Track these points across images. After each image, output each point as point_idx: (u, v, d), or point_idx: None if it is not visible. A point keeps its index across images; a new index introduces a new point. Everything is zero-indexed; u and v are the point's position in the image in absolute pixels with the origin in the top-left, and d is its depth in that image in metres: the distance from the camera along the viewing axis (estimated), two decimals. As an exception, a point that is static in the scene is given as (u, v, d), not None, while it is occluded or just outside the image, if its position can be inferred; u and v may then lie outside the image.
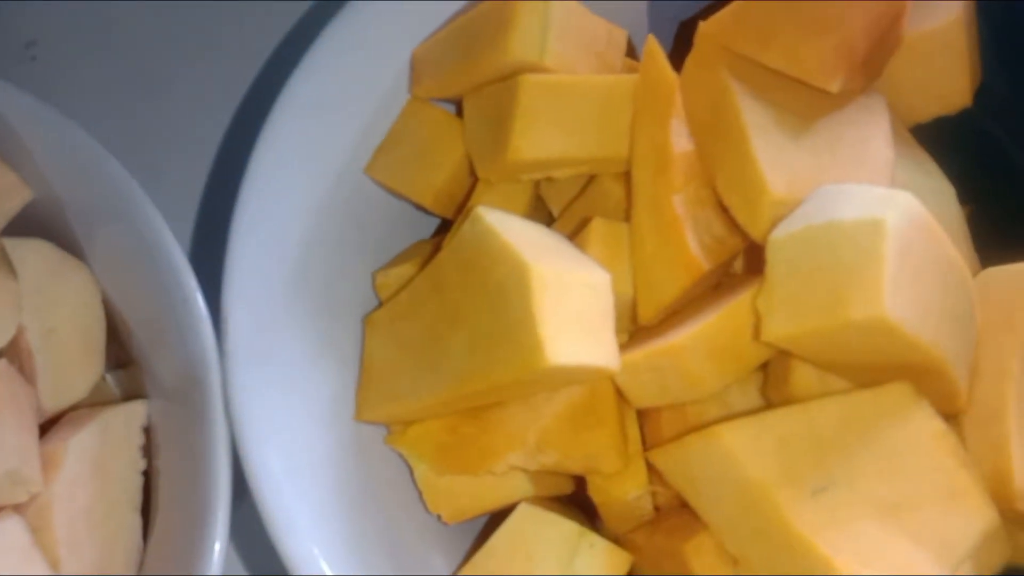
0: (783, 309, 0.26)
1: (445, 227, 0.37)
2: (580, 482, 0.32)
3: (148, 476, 0.32)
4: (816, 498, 0.26)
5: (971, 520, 0.26)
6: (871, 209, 0.26)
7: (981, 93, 0.35)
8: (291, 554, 0.28)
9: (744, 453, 0.26)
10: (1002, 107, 0.36)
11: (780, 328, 0.26)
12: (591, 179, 0.33)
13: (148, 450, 0.32)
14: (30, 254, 0.33)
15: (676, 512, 0.30)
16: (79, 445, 0.30)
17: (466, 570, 0.29)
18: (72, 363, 0.32)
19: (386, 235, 0.35)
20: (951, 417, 0.28)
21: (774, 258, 0.27)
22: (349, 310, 0.33)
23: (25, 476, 0.29)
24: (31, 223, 0.34)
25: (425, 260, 0.33)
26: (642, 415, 0.31)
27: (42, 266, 0.33)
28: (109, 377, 0.36)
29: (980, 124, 0.36)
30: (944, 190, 0.33)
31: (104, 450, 0.31)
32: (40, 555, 0.29)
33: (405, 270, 0.33)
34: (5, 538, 0.29)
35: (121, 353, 0.35)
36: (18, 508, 0.30)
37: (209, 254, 0.32)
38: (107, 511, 0.31)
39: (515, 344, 0.27)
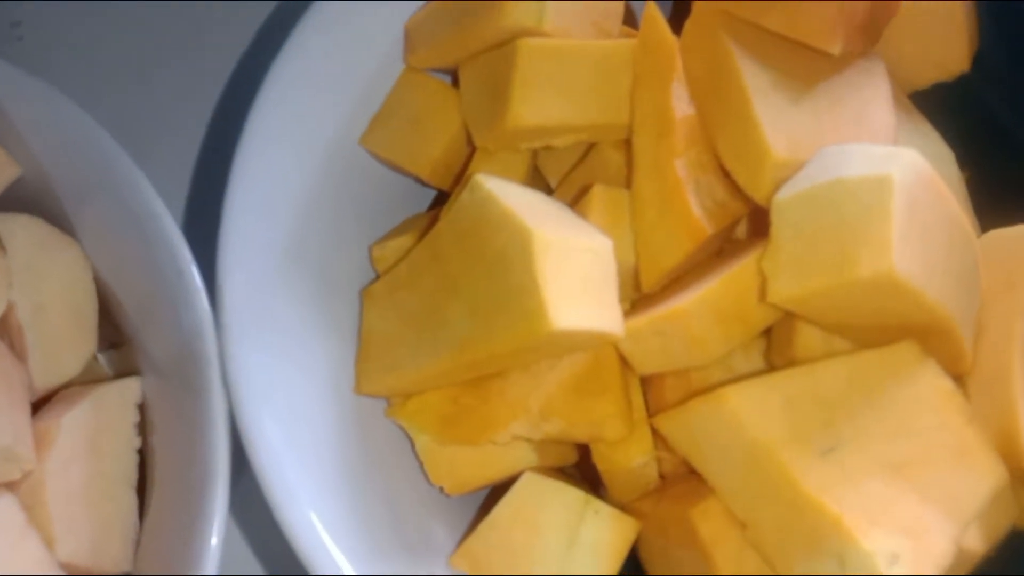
0: (789, 270, 0.26)
1: (440, 201, 0.36)
2: (584, 453, 0.32)
3: (143, 455, 0.32)
4: (824, 458, 0.26)
5: (980, 478, 0.26)
6: (877, 166, 0.25)
7: (978, 60, 0.34)
8: (291, 524, 0.27)
9: (750, 415, 0.26)
10: (999, 74, 0.36)
11: (786, 289, 0.26)
12: (590, 147, 0.33)
13: (143, 428, 0.32)
14: (19, 230, 0.32)
15: (682, 479, 0.30)
16: (72, 422, 0.30)
17: (471, 541, 0.28)
18: (63, 340, 0.32)
19: (382, 208, 0.35)
20: (956, 379, 0.28)
21: (779, 219, 0.27)
22: (346, 284, 0.33)
23: (17, 453, 0.29)
24: (19, 199, 0.33)
25: (423, 231, 0.32)
26: (645, 382, 0.31)
27: (31, 242, 0.32)
28: (101, 357, 0.35)
29: (977, 91, 0.36)
30: (944, 154, 0.33)
31: (98, 427, 0.30)
32: (35, 533, 0.28)
33: (402, 242, 0.33)
34: (-3, 517, 0.28)
35: (113, 333, 0.34)
36: (11, 486, 0.29)
37: (202, 230, 0.32)
38: (102, 489, 0.30)
39: (518, 310, 0.27)
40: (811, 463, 0.26)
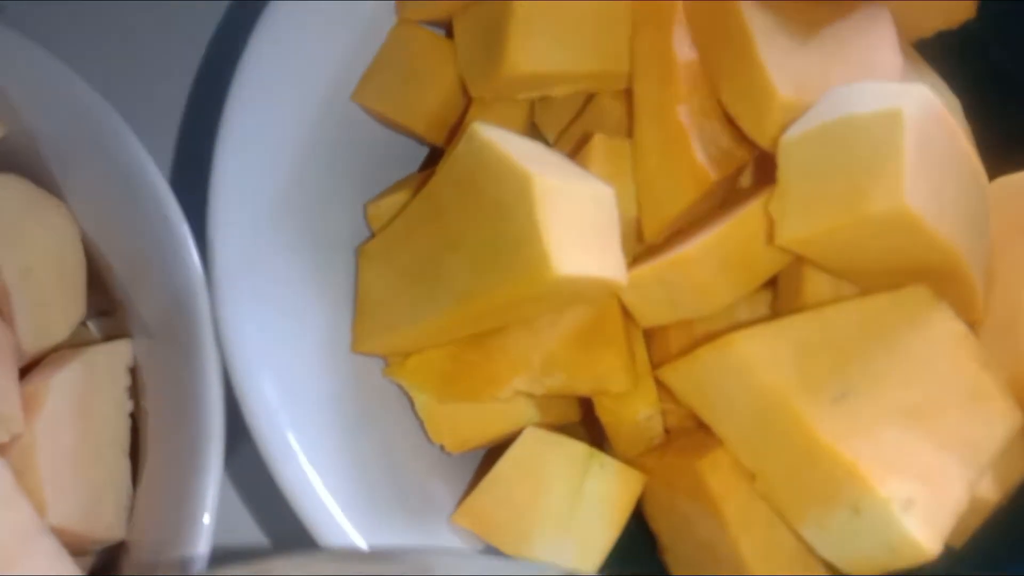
0: (798, 210, 0.25)
1: (433, 160, 0.35)
2: (587, 411, 0.31)
3: (136, 420, 0.31)
4: (837, 404, 0.25)
5: (996, 422, 0.25)
6: (887, 101, 0.25)
7: (984, 7, 0.34)
8: (289, 483, 0.27)
9: (760, 361, 0.26)
10: (1005, 22, 0.35)
11: (795, 230, 0.25)
12: (588, 100, 0.32)
13: (135, 392, 0.31)
14: (3, 190, 0.31)
15: (687, 434, 0.29)
16: (62, 384, 0.29)
17: (473, 497, 0.28)
18: (52, 303, 0.31)
19: (376, 168, 0.34)
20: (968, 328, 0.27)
21: (786, 160, 0.26)
22: (341, 242, 0.32)
23: (4, 415, 0.28)
24: (3, 160, 0.32)
25: (418, 188, 0.31)
26: (648, 336, 0.30)
27: (17, 203, 0.31)
28: (91, 325, 0.35)
29: (983, 39, 0.35)
30: (950, 104, 0.32)
31: (88, 389, 0.30)
32: (24, 498, 0.28)
33: (398, 199, 0.32)
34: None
35: (103, 300, 0.33)
36: (-1, 450, 0.28)
37: (190, 186, 0.31)
38: (94, 453, 0.29)
39: (519, 257, 0.26)
40: (823, 409, 0.25)
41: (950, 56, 0.34)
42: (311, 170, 0.32)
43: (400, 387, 0.30)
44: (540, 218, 0.25)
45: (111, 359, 0.30)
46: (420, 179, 0.33)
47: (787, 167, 0.26)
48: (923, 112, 0.25)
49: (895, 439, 0.25)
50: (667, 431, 0.30)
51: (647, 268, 0.27)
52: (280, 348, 0.29)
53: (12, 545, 0.27)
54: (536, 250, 0.25)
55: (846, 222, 0.24)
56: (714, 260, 0.27)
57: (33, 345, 0.31)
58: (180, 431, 0.29)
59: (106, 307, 0.34)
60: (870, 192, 0.24)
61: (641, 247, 0.30)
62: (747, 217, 0.27)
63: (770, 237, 0.26)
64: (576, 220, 0.26)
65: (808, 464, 0.25)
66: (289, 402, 0.28)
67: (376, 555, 0.16)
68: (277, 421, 0.27)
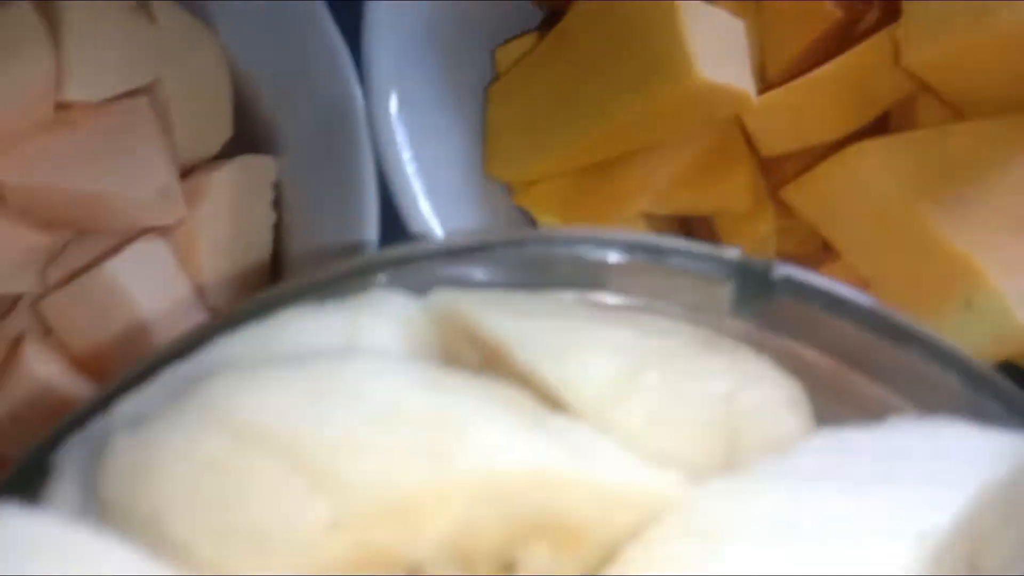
0: (925, 32, 0.27)
1: (548, 25, 0.37)
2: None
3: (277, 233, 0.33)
4: (952, 209, 0.27)
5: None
6: (1015, -71, 0.27)
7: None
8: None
9: (879, 170, 0.28)
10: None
11: (922, 50, 0.27)
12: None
13: (278, 207, 0.33)
14: (160, 13, 0.33)
15: (801, 258, 0.31)
16: (221, 180, 0.31)
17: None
18: (204, 119, 0.33)
19: (499, 24, 0.36)
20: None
21: (913, -11, 0.28)
22: (471, 86, 0.34)
23: (172, 199, 0.30)
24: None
25: (541, 36, 0.34)
26: (764, 168, 0.32)
27: (171, 25, 0.33)
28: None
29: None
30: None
31: (242, 191, 0.32)
32: (185, 277, 0.30)
33: (526, 41, 0.34)
34: (152, 257, 0.29)
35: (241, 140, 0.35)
36: (163, 234, 0.30)
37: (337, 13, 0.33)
38: (244, 253, 0.31)
39: (663, 66, 0.28)
40: (940, 212, 0.27)
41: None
42: (443, 18, 0.34)
43: (526, 212, 0.33)
44: (684, 28, 0.27)
45: (259, 170, 0.33)
46: (540, 34, 0.35)
47: (914, -6, 0.28)
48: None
49: (1008, 243, 0.27)
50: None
51: (774, 92, 0.29)
52: (426, 157, 0.31)
53: (175, 317, 0.29)
54: (681, 56, 0.27)
55: (972, 39, 0.26)
56: (839, 84, 0.29)
57: (188, 154, 0.33)
58: (333, 237, 0.31)
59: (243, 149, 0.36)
60: (997, 9, 0.26)
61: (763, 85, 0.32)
62: (874, 44, 0.29)
63: (896, 59, 0.28)
64: (713, 38, 0.28)
65: (923, 262, 0.27)
66: (437, 203, 0.30)
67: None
68: (429, 217, 0.29)
